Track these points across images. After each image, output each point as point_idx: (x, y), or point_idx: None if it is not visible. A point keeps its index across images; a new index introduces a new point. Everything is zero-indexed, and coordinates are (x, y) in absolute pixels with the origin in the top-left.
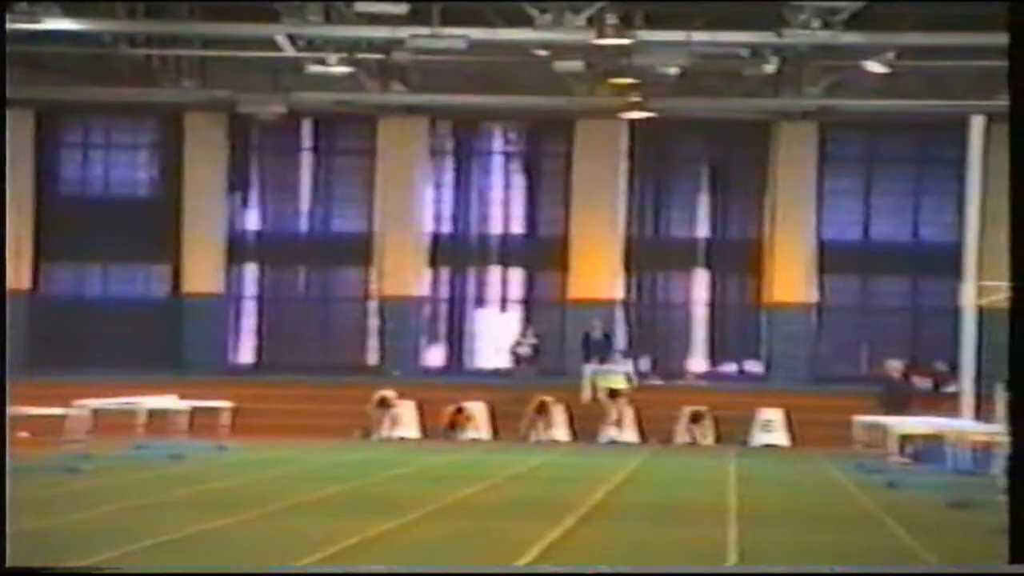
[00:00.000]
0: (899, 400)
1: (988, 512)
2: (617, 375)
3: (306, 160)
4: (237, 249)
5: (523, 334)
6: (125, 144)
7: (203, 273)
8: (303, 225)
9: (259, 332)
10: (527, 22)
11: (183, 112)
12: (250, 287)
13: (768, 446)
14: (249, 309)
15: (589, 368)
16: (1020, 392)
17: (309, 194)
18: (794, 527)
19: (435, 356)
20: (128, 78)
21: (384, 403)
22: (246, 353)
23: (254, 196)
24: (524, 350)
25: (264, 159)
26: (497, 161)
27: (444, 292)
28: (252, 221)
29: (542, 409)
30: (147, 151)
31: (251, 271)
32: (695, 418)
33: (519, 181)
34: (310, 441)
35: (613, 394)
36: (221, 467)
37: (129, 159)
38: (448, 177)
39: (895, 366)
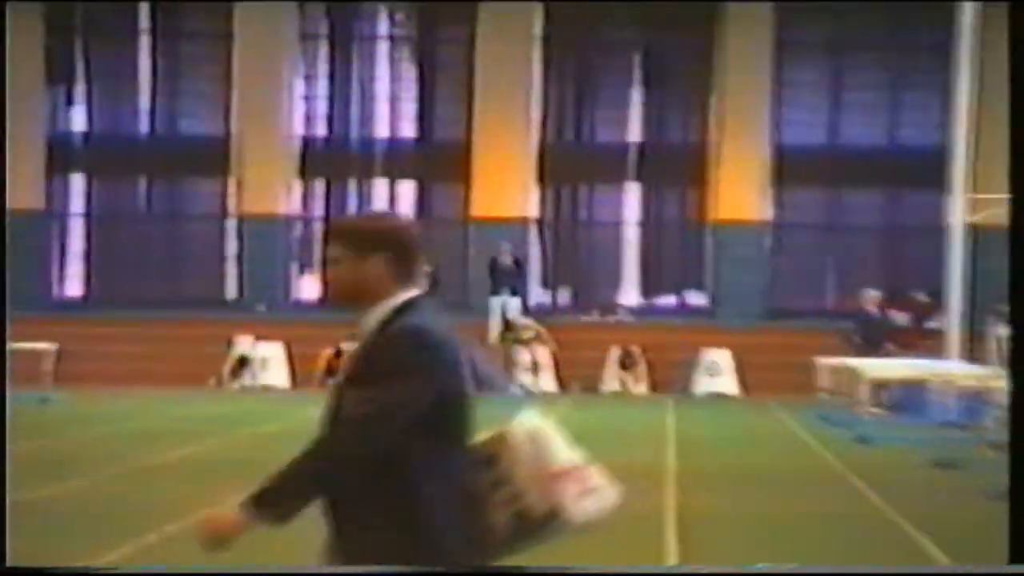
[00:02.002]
0: (872, 338)
1: (978, 471)
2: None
3: (144, 45)
4: (60, 156)
5: None
6: None
7: (19, 186)
8: (142, 126)
9: (88, 258)
10: None
11: None
12: (77, 202)
13: (713, 394)
14: (76, 229)
15: (497, 301)
16: (1019, 391)
17: (149, 88)
18: (746, 493)
19: (308, 287)
20: None
21: (242, 359)
22: (72, 284)
23: (80, 91)
24: None
25: (92, 44)
26: (382, 48)
27: (318, 209)
28: (78, 122)
29: None
30: None
31: (78, 183)
32: (626, 361)
33: (409, 73)
34: (153, 391)
35: (511, 330)
36: (43, 423)
37: None
38: (322, 68)
39: (869, 297)
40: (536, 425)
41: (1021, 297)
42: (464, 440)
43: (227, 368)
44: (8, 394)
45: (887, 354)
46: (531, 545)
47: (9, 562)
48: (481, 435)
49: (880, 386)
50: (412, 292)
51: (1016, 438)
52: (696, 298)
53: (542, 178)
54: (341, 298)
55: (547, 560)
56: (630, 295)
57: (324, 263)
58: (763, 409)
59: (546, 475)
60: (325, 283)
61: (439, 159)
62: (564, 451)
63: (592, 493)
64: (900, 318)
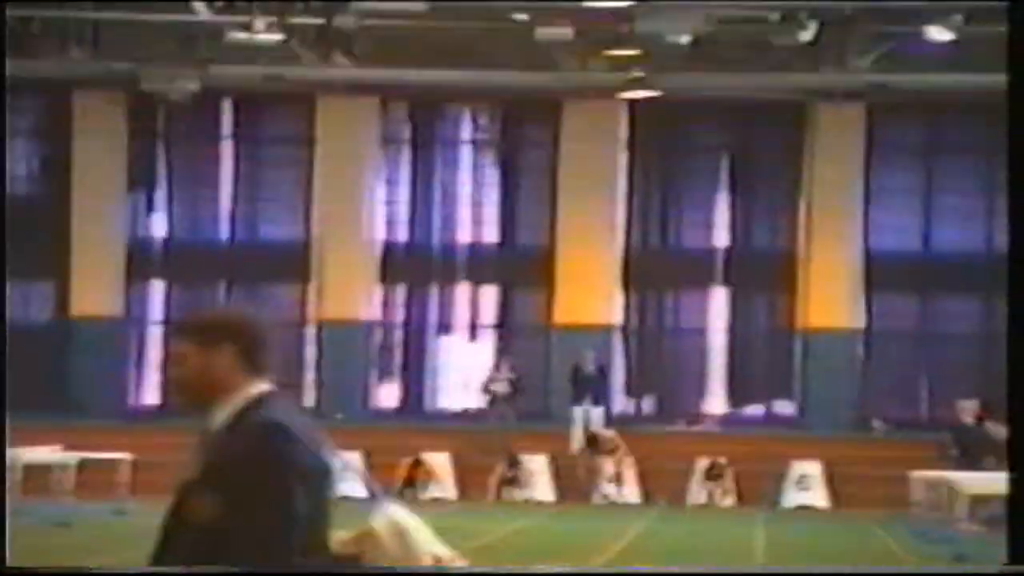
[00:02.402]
0: (970, 450)
1: None
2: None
3: (226, 150)
4: (140, 262)
5: (497, 368)
6: None
7: (97, 291)
8: (223, 232)
9: (165, 367)
10: None
11: (71, 89)
12: (156, 310)
13: (803, 508)
14: (154, 337)
15: (580, 410)
16: (1020, 397)
17: (230, 193)
18: None
19: (387, 395)
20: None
21: None
22: (150, 393)
23: (161, 196)
24: (499, 387)
25: (173, 149)
26: (465, 152)
27: (399, 315)
28: (158, 227)
29: (514, 463)
30: (25, 138)
31: (157, 289)
32: (712, 473)
33: (492, 177)
34: None
35: (596, 443)
36: (118, 536)
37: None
38: (404, 172)
39: (965, 408)
40: (401, 519)
41: (1019, 304)
42: (325, 542)
43: None
44: (8, 394)
45: (986, 468)
46: None
47: (9, 562)
48: (343, 533)
49: (979, 501)
50: (263, 386)
51: (1016, 438)
52: (785, 408)
53: (626, 284)
54: (187, 396)
55: None
56: (716, 404)
57: (165, 363)
58: (855, 524)
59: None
60: (167, 384)
61: (522, 264)
62: (432, 544)
63: None
64: (999, 430)
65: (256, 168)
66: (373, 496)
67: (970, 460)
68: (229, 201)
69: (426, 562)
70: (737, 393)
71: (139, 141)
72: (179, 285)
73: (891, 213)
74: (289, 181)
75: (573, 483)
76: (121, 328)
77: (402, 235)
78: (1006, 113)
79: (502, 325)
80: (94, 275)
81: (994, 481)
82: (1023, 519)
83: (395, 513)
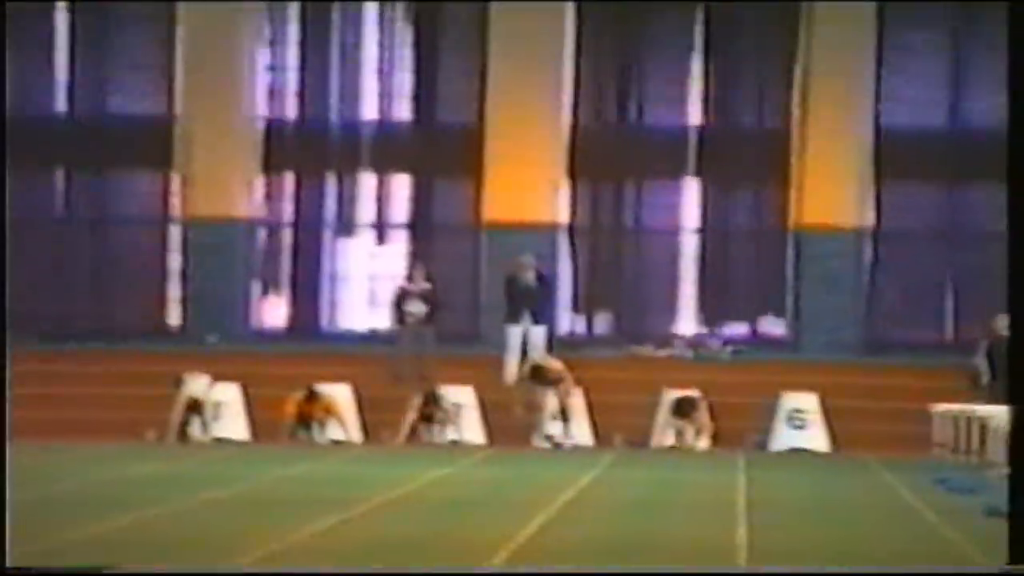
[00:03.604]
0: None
1: None
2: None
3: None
4: None
5: (411, 278)
6: None
7: None
8: (58, 103)
9: None
10: None
11: None
12: None
13: (796, 451)
14: None
15: (516, 331)
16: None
17: (66, 55)
18: None
19: (273, 312)
20: None
21: (192, 404)
22: None
23: None
24: (413, 303)
25: None
26: (371, 6)
27: (287, 212)
28: None
29: (433, 397)
30: None
31: None
32: (683, 408)
33: (405, 37)
34: (74, 446)
35: (537, 373)
36: None
37: None
38: (292, 31)
39: (1002, 323)
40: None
41: (1021, 297)
42: None
43: (173, 417)
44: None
45: None
46: None
47: (9, 562)
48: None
49: None
50: None
51: (1016, 439)
52: (774, 327)
53: (574, 172)
54: None
55: None
56: (688, 323)
57: None
58: (861, 470)
59: None
60: None
61: (442, 148)
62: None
63: None
64: None
65: (102, 23)
66: None
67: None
68: (65, 65)
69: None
70: (714, 309)
71: None
72: (7, 171)
73: (909, 82)
74: (145, 41)
75: (507, 421)
76: None
77: (290, 111)
78: None
79: (417, 224)
80: None
81: None
82: (1023, 519)
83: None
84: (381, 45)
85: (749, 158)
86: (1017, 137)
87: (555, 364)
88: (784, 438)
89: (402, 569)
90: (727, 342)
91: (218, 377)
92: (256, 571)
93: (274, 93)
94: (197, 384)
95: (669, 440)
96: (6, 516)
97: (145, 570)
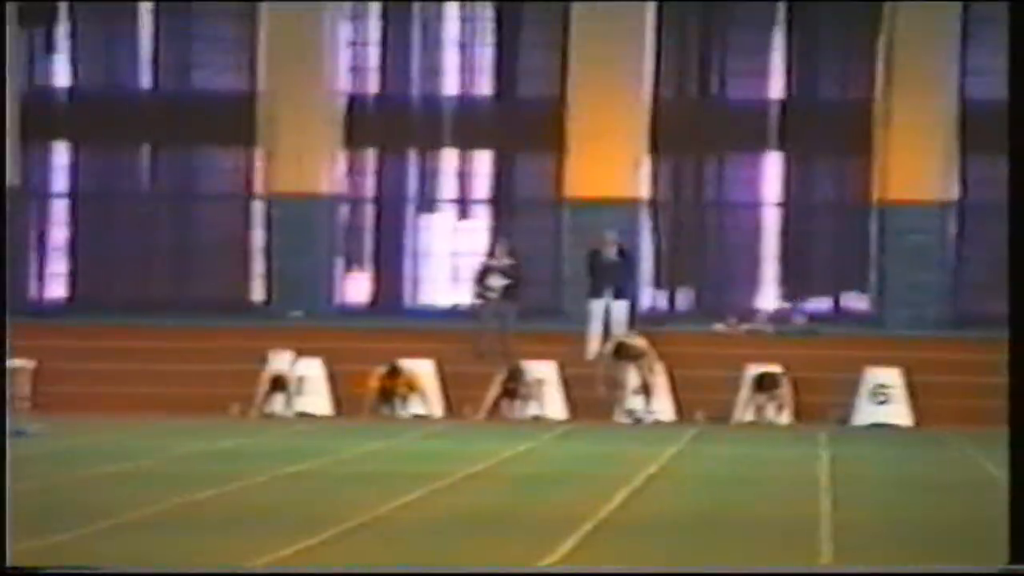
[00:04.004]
0: None
1: None
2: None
3: None
4: (38, 118)
5: (493, 253)
6: None
7: None
8: (142, 80)
9: (73, 250)
10: None
11: None
12: (58, 177)
13: (879, 425)
14: (58, 213)
15: (598, 305)
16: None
17: (150, 31)
18: (930, 558)
19: (356, 288)
20: None
21: (276, 380)
22: (50, 283)
23: (61, 33)
24: (495, 279)
25: None
26: None
27: (369, 188)
28: (59, 73)
29: (516, 372)
30: None
31: (60, 152)
32: (764, 383)
33: (486, 11)
34: (157, 421)
35: (620, 350)
36: (16, 463)
37: None
38: (374, 7)
39: None
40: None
41: (1021, 290)
42: None
43: (258, 392)
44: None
45: None
46: None
47: (9, 562)
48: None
49: None
50: None
51: (1016, 439)
52: (858, 301)
53: (656, 147)
54: None
55: None
56: (770, 298)
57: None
58: (945, 445)
59: None
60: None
61: (524, 123)
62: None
63: None
64: None
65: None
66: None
67: None
68: (151, 40)
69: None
70: (796, 284)
71: None
72: (88, 147)
73: (995, 55)
74: (228, 17)
75: (590, 397)
76: (18, 202)
77: (372, 86)
78: None
79: (499, 200)
80: None
81: None
82: (1023, 519)
83: None
84: (462, 20)
85: (831, 131)
86: (1017, 143)
87: (639, 341)
88: (867, 413)
89: (416, 569)
90: (810, 317)
91: (302, 353)
92: (259, 572)
93: (356, 68)
94: (281, 360)
95: (750, 416)
96: (6, 516)
97: (145, 570)
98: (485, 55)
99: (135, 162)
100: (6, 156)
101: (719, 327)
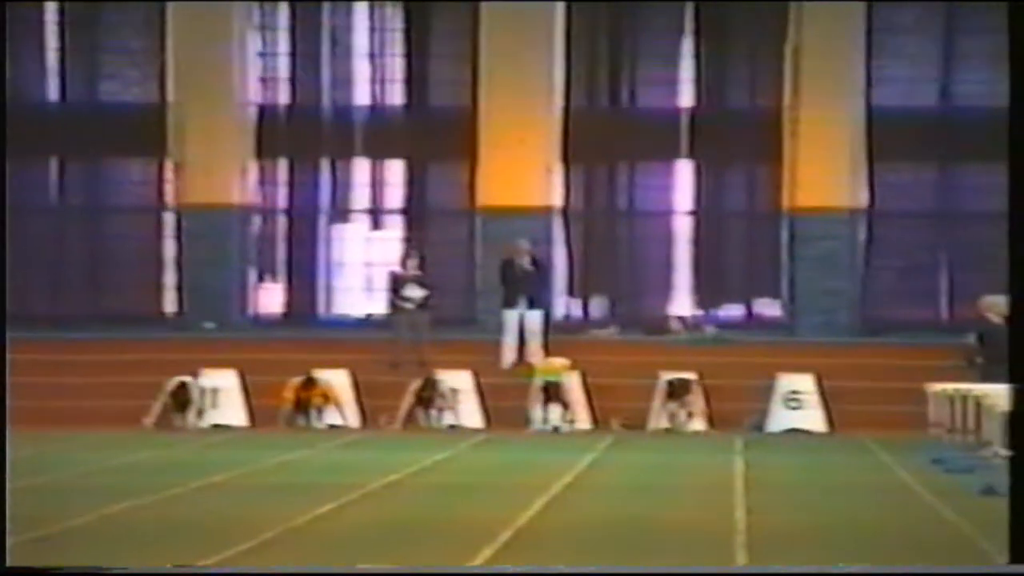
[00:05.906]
0: (1002, 357)
1: None
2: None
3: None
4: None
5: (406, 263)
6: None
7: None
8: (50, 92)
9: None
10: None
11: None
12: None
13: (792, 431)
14: None
15: (512, 315)
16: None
17: (57, 43)
18: (841, 559)
19: (269, 299)
20: None
21: (180, 389)
22: None
23: None
24: (408, 289)
25: None
26: None
27: (281, 198)
28: None
29: (430, 381)
30: None
31: None
32: (676, 390)
33: (396, 22)
34: (69, 434)
35: (550, 389)
36: None
37: None
38: (283, 17)
39: (995, 304)
40: None
41: (1020, 294)
42: None
43: (166, 404)
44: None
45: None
46: None
47: (9, 562)
48: None
49: None
50: None
51: (1016, 438)
52: (769, 308)
53: (567, 156)
54: None
55: None
56: (683, 305)
57: None
58: (858, 450)
59: None
60: None
61: (436, 132)
62: None
63: None
64: None
65: (92, 11)
66: None
67: (1000, 370)
68: (57, 52)
69: None
70: (709, 291)
71: None
72: None
73: (900, 62)
74: (136, 28)
75: (505, 405)
76: None
77: (283, 97)
78: None
79: (412, 209)
80: None
81: None
82: (1023, 519)
83: None
84: (372, 29)
85: (742, 140)
86: (1018, 140)
87: (557, 363)
88: (781, 419)
89: (396, 569)
90: (722, 324)
91: (215, 364)
92: (254, 571)
93: (266, 79)
94: (186, 375)
95: (665, 423)
96: (6, 516)
97: (145, 570)
98: (396, 65)
99: (44, 175)
100: None
101: (632, 336)
